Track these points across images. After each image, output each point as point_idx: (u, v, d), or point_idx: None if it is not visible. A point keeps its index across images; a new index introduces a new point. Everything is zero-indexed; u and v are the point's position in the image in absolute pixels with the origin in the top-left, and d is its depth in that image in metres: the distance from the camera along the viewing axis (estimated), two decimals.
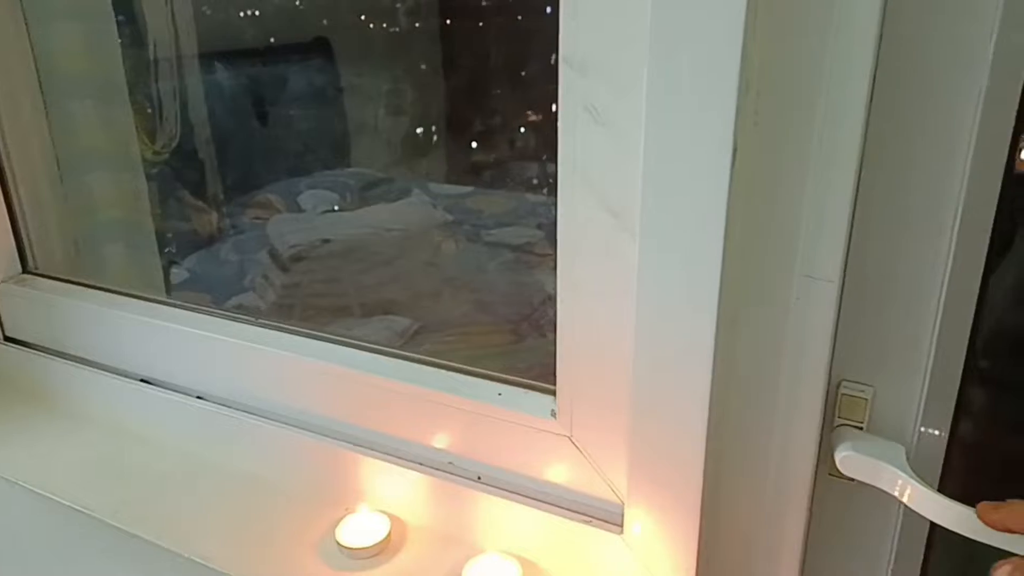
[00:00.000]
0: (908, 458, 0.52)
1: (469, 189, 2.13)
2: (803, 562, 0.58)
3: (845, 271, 0.50)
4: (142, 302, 0.84)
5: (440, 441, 0.68)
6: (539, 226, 1.91)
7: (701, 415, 0.53)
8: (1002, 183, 0.48)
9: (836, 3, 0.45)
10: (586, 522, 0.61)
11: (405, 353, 0.71)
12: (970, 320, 0.52)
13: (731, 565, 0.59)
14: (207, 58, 1.79)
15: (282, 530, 0.69)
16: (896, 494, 0.51)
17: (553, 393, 0.62)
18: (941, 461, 0.54)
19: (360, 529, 0.67)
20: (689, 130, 0.47)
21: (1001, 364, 0.56)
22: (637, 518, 0.58)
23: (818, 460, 0.54)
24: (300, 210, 1.90)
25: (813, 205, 0.49)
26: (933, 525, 0.54)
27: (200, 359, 0.79)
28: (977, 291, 0.51)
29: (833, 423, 0.55)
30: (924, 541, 0.58)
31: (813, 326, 0.51)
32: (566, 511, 0.62)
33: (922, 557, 0.59)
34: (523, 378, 0.65)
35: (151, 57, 1.41)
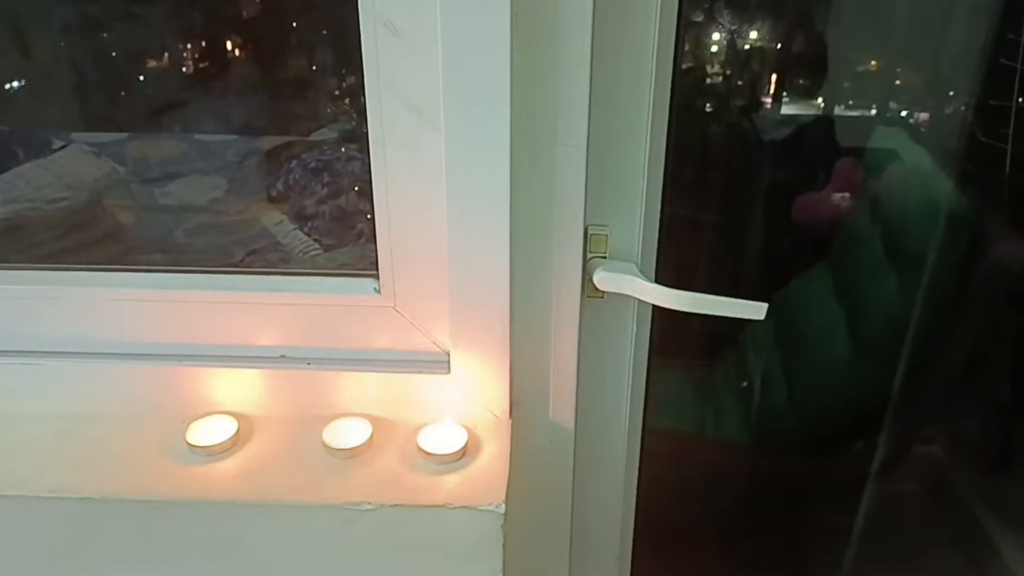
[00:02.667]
0: (638, 270, 0.75)
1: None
2: (578, 367, 0.79)
3: (588, 139, 0.70)
4: None
5: (271, 339, 0.76)
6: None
7: (504, 266, 0.70)
8: (672, 79, 0.72)
9: None
10: (417, 372, 0.75)
11: (220, 269, 0.77)
12: (661, 174, 0.76)
13: (533, 382, 0.78)
14: None
15: (129, 451, 0.72)
16: (634, 293, 0.74)
17: (373, 276, 0.74)
18: (655, 268, 0.79)
19: (209, 430, 0.73)
20: (476, 43, 0.62)
21: (689, 205, 0.82)
22: (461, 360, 0.74)
23: (583, 285, 0.75)
24: None
25: (564, 92, 0.67)
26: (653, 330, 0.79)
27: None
28: (664, 152, 0.74)
29: (586, 257, 0.76)
30: (648, 337, 0.83)
31: (570, 183, 0.71)
32: (399, 370, 0.75)
33: (648, 352, 0.84)
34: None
35: None
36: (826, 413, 1.29)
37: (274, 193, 1.48)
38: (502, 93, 0.64)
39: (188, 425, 0.73)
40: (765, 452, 1.33)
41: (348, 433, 0.73)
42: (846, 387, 1.26)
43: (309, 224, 1.43)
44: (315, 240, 1.39)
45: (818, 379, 1.29)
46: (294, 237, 1.40)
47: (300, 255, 1.37)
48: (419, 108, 0.67)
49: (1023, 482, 1.54)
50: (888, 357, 1.22)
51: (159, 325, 0.77)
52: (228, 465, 0.71)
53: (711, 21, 1.51)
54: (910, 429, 1.30)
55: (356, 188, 1.42)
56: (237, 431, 0.74)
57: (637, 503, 0.91)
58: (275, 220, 1.47)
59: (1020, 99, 1.38)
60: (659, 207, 0.77)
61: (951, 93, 1.53)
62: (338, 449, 0.71)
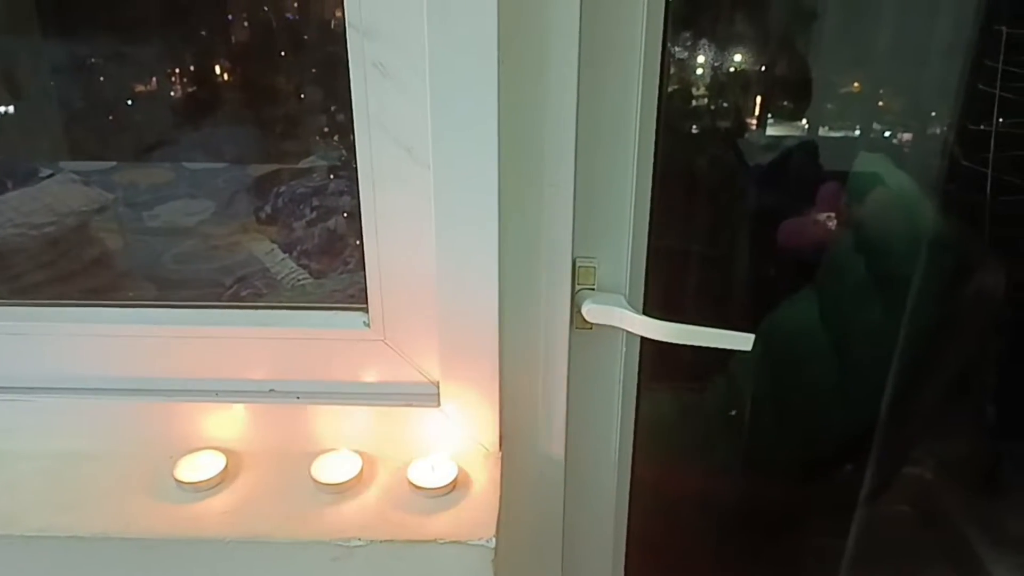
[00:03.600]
0: (625, 301, 0.75)
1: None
2: (568, 399, 0.79)
3: (576, 175, 0.70)
4: None
5: (260, 373, 0.76)
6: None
7: (492, 299, 0.70)
8: (657, 112, 0.73)
9: (551, 5, 0.64)
10: (407, 405, 0.75)
11: (210, 304, 0.77)
12: (648, 205, 0.77)
13: (523, 414, 0.78)
14: None
15: (117, 488, 0.72)
16: (622, 325, 0.74)
17: (362, 309, 0.75)
18: (642, 301, 0.79)
19: (197, 466, 0.73)
20: (464, 82, 0.63)
21: (674, 239, 0.83)
22: (450, 393, 0.74)
23: (571, 317, 0.76)
24: None
25: (551, 127, 0.68)
26: (641, 359, 0.79)
27: None
28: (651, 183, 0.75)
29: (574, 289, 0.76)
30: (637, 367, 0.83)
31: (558, 216, 0.71)
32: (388, 404, 0.75)
33: (636, 383, 0.84)
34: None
35: None
36: (815, 437, 1.30)
37: (263, 217, 1.48)
38: (490, 130, 0.64)
39: (176, 461, 0.73)
40: (754, 477, 1.33)
41: (337, 468, 0.73)
42: (834, 411, 1.27)
43: (297, 250, 1.43)
44: (303, 266, 1.40)
45: (806, 404, 1.30)
46: (284, 265, 1.40)
47: (289, 282, 1.38)
48: (408, 146, 0.68)
49: (1012, 503, 1.55)
50: (875, 381, 1.23)
51: (147, 360, 0.76)
52: (217, 501, 0.71)
53: (694, 53, 1.53)
54: (899, 452, 1.30)
55: (344, 215, 1.43)
56: (226, 466, 0.73)
57: (628, 533, 0.91)
58: (265, 249, 1.47)
59: (1000, 122, 1.40)
60: (646, 238, 0.78)
61: (932, 115, 1.56)
62: (327, 484, 0.71)
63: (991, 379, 1.49)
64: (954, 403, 1.41)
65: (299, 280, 1.35)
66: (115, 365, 0.77)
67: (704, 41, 1.53)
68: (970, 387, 1.43)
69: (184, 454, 0.74)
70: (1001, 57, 1.35)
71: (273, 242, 1.43)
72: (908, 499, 1.53)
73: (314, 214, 1.43)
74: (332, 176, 1.40)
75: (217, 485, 0.72)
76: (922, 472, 1.56)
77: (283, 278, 1.40)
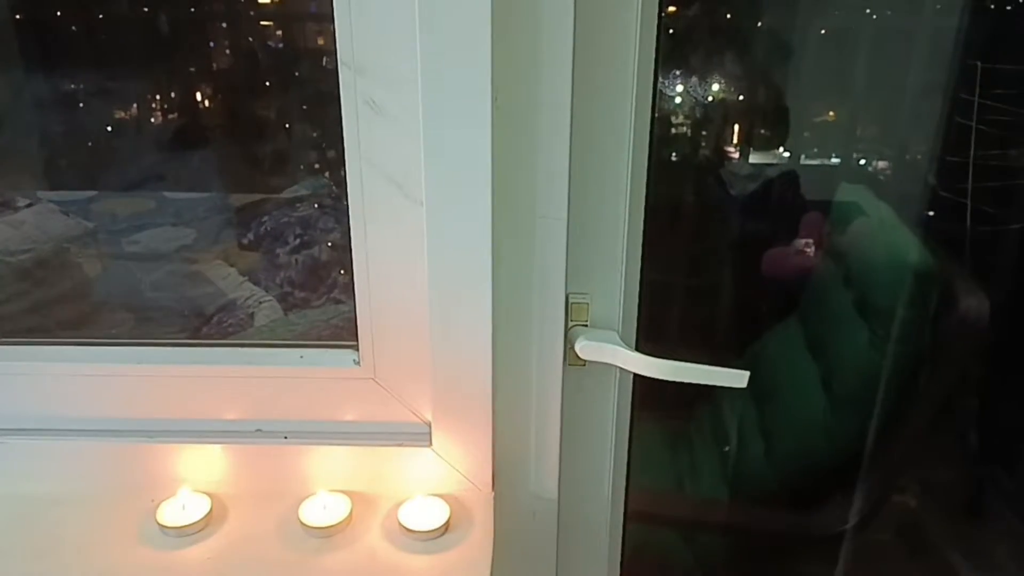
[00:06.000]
0: (618, 337, 0.75)
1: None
2: (561, 436, 0.78)
3: (569, 211, 0.70)
4: None
5: (247, 412, 0.74)
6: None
7: (486, 336, 0.69)
8: (649, 149, 0.73)
9: (544, 41, 0.64)
10: (398, 444, 0.73)
11: (193, 342, 0.75)
12: (640, 241, 0.76)
13: (515, 452, 0.77)
14: None
15: (96, 533, 0.69)
16: (616, 362, 0.73)
17: (352, 347, 0.73)
18: (635, 337, 0.79)
19: (181, 510, 0.70)
20: (457, 119, 0.62)
21: (667, 275, 0.83)
22: (442, 432, 0.73)
23: (565, 353, 0.75)
24: None
25: (543, 165, 0.68)
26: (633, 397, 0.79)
27: None
28: (643, 220, 0.75)
29: (567, 326, 0.76)
30: (630, 403, 0.82)
31: (551, 252, 0.71)
32: (379, 443, 0.74)
33: (630, 422, 0.83)
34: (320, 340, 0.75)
35: None
36: (802, 466, 1.29)
37: (245, 244, 1.47)
38: (483, 167, 0.64)
39: (159, 505, 0.71)
40: (743, 507, 1.33)
41: (326, 510, 0.71)
42: (821, 440, 1.26)
43: (280, 278, 1.41)
44: (286, 294, 1.38)
45: (793, 432, 1.30)
46: (264, 295, 1.38)
47: (271, 312, 1.35)
48: (400, 182, 0.67)
49: (996, 529, 1.55)
50: (862, 409, 1.24)
51: (127, 400, 0.74)
52: (202, 547, 0.68)
53: (685, 90, 1.55)
54: (887, 480, 1.30)
55: (328, 244, 1.41)
56: (210, 510, 0.71)
57: (621, 568, 0.90)
58: (233, 279, 1.44)
59: (974, 152, 1.43)
60: (639, 274, 0.78)
61: (910, 149, 1.59)
62: (316, 528, 0.69)
63: (973, 405, 1.50)
64: (937, 430, 1.41)
65: (283, 310, 1.33)
66: (94, 405, 0.75)
67: (684, 73, 1.54)
68: (955, 414, 1.44)
69: (167, 497, 0.72)
70: (977, 91, 1.38)
71: (249, 272, 1.41)
72: (892, 526, 1.53)
73: (297, 242, 1.42)
74: (317, 206, 1.38)
75: (202, 530, 0.70)
76: (906, 499, 1.56)
77: (264, 306, 1.38)
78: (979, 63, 1.37)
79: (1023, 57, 1.38)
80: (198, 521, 0.70)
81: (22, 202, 1.43)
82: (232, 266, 1.43)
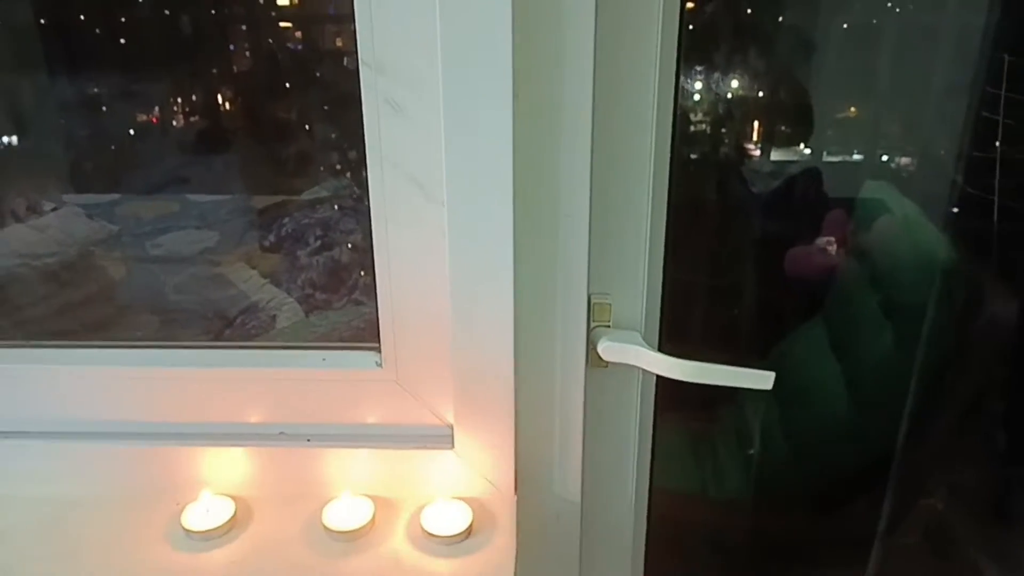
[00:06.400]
0: (641, 338, 0.74)
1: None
2: (584, 439, 0.77)
3: (591, 211, 0.69)
4: None
5: (270, 415, 0.74)
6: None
7: (507, 338, 0.68)
8: (671, 147, 0.72)
9: (566, 40, 0.63)
10: (420, 447, 0.73)
11: (216, 344, 0.75)
12: (663, 241, 0.76)
13: (538, 455, 0.76)
14: None
15: (121, 537, 0.69)
16: (639, 364, 0.72)
17: (374, 348, 0.73)
18: (658, 337, 0.78)
19: (205, 513, 0.70)
20: (479, 118, 0.62)
21: (689, 274, 0.82)
22: (464, 435, 0.72)
23: (587, 355, 0.74)
24: None
25: (565, 163, 0.67)
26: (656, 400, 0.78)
27: None
28: (665, 219, 0.74)
29: (589, 326, 0.75)
30: (653, 404, 0.81)
31: (573, 252, 0.70)
32: (401, 446, 0.73)
33: (652, 424, 0.82)
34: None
35: None
36: (827, 469, 1.28)
37: (267, 246, 1.47)
38: (505, 167, 0.63)
39: (183, 508, 0.71)
40: (767, 510, 1.31)
41: (349, 514, 0.71)
42: (846, 443, 1.25)
43: (301, 279, 1.42)
44: (308, 296, 1.38)
45: (818, 435, 1.28)
46: (286, 296, 1.38)
47: (294, 314, 1.36)
48: (421, 182, 0.66)
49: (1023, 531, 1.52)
50: (887, 411, 1.22)
51: (152, 403, 0.75)
52: (226, 550, 0.68)
53: (706, 87, 1.54)
54: (913, 483, 1.28)
55: (349, 245, 1.41)
56: (234, 513, 0.71)
57: (645, 571, 0.89)
58: (255, 281, 1.44)
59: (1001, 148, 1.40)
60: (661, 274, 0.77)
61: (935, 144, 1.56)
62: (339, 531, 0.69)
63: (1000, 406, 1.47)
64: (964, 432, 1.39)
65: (304, 312, 1.33)
66: (117, 408, 0.75)
67: (706, 70, 1.53)
68: (980, 415, 1.41)
69: (190, 500, 0.72)
70: (1004, 85, 1.35)
71: (271, 274, 1.42)
72: (919, 529, 1.50)
73: (319, 243, 1.42)
74: (338, 207, 1.38)
75: (226, 533, 0.70)
76: (933, 502, 1.53)
77: (286, 308, 1.38)
78: (1006, 56, 1.35)
79: None
80: (222, 525, 0.70)
81: (48, 206, 1.45)
82: (254, 268, 1.44)
